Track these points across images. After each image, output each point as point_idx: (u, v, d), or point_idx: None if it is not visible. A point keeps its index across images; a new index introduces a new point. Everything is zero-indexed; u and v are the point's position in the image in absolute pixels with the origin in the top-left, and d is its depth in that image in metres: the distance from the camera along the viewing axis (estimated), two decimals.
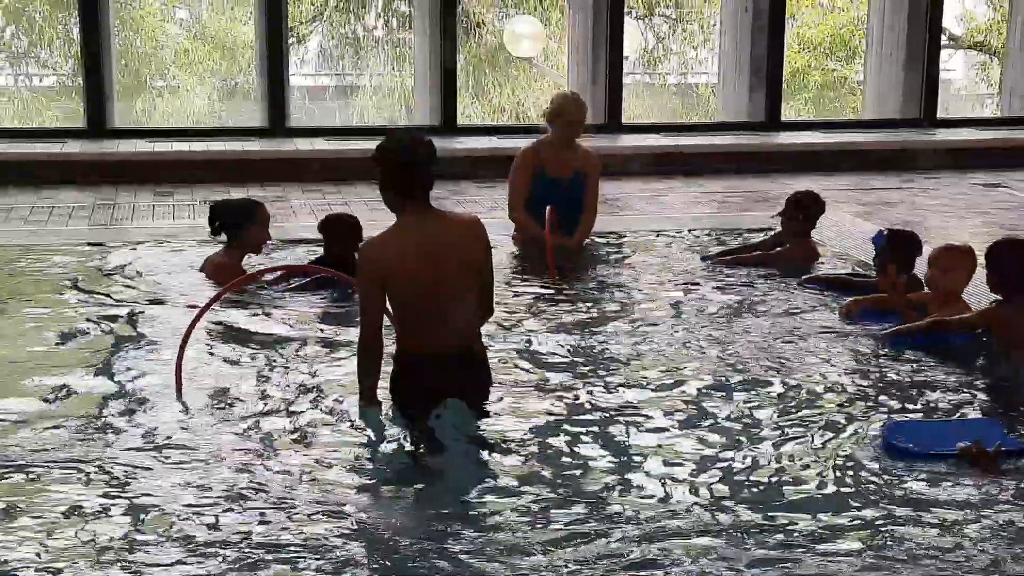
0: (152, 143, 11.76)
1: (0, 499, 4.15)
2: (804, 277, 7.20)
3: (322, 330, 6.17)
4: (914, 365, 5.65)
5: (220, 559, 3.78)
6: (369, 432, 4.85)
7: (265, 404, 5.13)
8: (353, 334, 5.58)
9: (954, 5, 18.33)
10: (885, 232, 6.82)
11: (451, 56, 12.55)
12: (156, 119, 16.56)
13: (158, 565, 3.75)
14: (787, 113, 14.07)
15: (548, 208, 7.47)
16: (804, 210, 7.63)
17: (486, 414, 4.99)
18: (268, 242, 7.00)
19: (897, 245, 6.68)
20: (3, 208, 9.74)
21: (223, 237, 6.92)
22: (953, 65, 19.80)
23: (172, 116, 17.00)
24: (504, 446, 4.73)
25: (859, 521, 4.07)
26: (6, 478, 4.33)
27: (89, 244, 8.23)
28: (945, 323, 5.86)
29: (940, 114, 13.75)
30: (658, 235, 8.69)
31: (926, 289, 6.32)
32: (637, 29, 19.01)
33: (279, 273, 6.85)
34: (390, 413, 4.93)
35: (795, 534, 3.97)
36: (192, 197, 10.25)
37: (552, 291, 7.04)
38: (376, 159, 4.92)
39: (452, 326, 4.89)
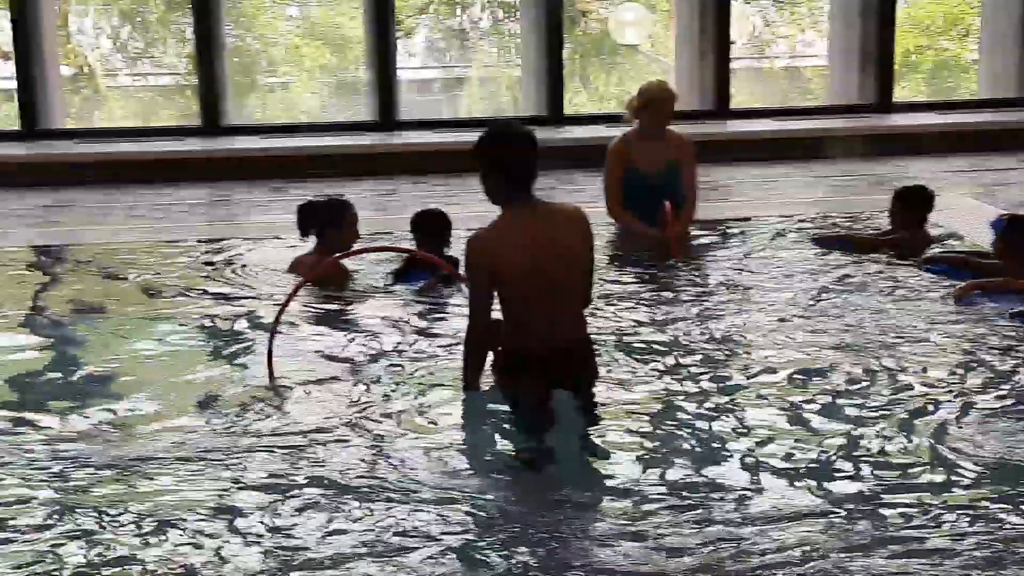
0: (265, 139, 11.97)
1: (122, 496, 4.29)
2: (925, 257, 7.12)
3: (420, 321, 6.25)
4: None
5: (332, 544, 3.90)
6: (473, 422, 4.92)
7: (365, 393, 5.23)
8: (449, 326, 5.67)
9: None
10: (1005, 218, 6.72)
11: (558, 46, 12.57)
12: (268, 115, 16.82)
13: (285, 549, 3.86)
14: (899, 94, 13.81)
15: (665, 204, 7.49)
16: (904, 201, 7.54)
17: (593, 404, 5.02)
18: (357, 241, 6.92)
19: (1017, 231, 6.58)
20: (125, 205, 9.99)
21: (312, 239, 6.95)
22: None
23: (284, 112, 17.25)
24: (610, 436, 4.76)
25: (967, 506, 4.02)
26: (123, 473, 4.46)
27: (202, 240, 8.41)
28: None
29: None
30: (770, 221, 8.63)
31: None
32: (744, 13, 18.83)
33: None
34: (495, 403, 4.99)
35: (903, 520, 3.94)
36: (305, 192, 10.39)
37: (657, 280, 7.04)
38: (477, 151, 4.95)
39: (558, 317, 4.94)
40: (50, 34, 12.56)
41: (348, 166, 11.26)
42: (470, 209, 9.47)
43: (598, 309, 6.08)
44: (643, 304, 6.57)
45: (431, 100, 18.78)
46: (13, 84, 12.16)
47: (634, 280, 7.07)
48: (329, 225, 6.81)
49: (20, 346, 6.05)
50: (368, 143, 11.84)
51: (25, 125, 11.98)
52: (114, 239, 8.54)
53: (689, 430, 4.80)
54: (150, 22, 16.89)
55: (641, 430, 4.80)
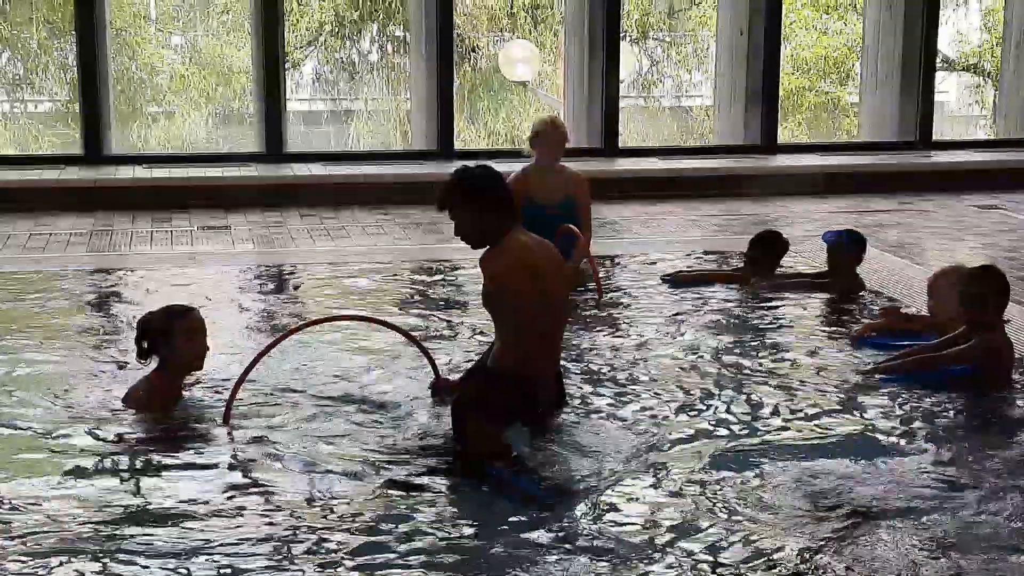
0: (149, 169, 11.76)
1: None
2: (758, 283, 7.46)
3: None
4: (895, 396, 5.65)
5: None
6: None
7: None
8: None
9: (948, 28, 18.41)
10: (843, 232, 7.45)
11: (448, 81, 12.58)
12: (152, 145, 16.56)
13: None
14: (782, 135, 14.10)
15: (574, 229, 7.63)
16: (759, 249, 7.76)
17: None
18: (204, 355, 5.37)
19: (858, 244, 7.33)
20: (0, 235, 9.72)
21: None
22: (946, 87, 19.87)
23: (168, 142, 17.01)
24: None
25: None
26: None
27: (94, 271, 8.20)
28: (933, 360, 5.81)
29: (934, 136, 13.79)
30: (651, 257, 8.73)
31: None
32: (632, 52, 19.08)
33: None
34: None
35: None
36: (189, 223, 10.25)
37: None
38: (465, 197, 5.03)
39: (560, 340, 5.19)
40: None
41: (234, 198, 11.10)
42: (358, 241, 9.44)
43: None
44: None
45: (318, 132, 18.68)
46: None
47: None
48: (159, 342, 5.30)
49: None
50: (255, 174, 11.69)
51: None
52: None
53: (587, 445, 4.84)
54: (31, 48, 16.54)
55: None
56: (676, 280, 7.74)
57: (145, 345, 5.29)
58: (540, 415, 5.05)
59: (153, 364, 5.33)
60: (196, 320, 5.34)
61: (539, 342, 4.99)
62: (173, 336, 5.26)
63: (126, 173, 11.61)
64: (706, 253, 8.88)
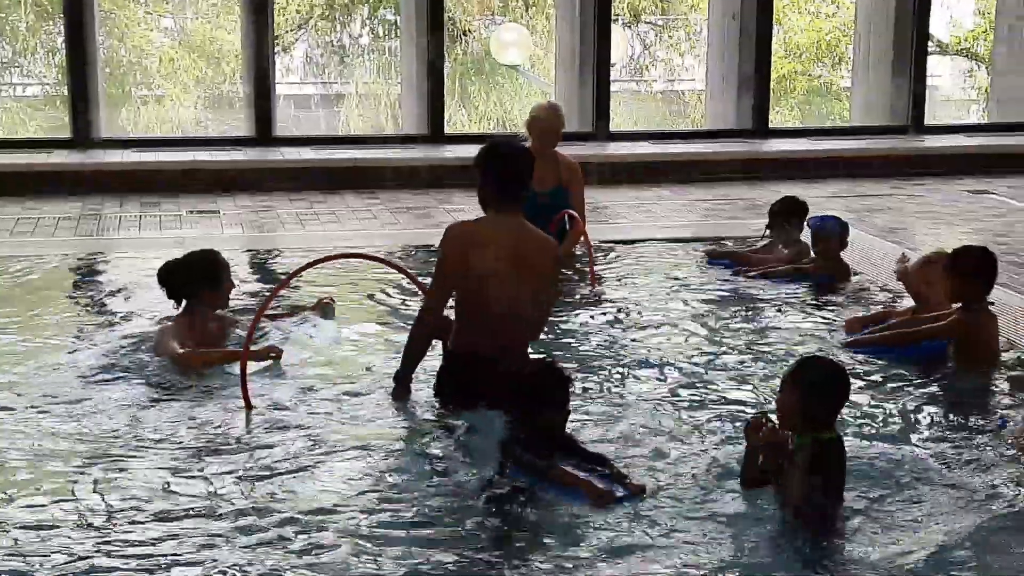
0: (138, 153, 11.69)
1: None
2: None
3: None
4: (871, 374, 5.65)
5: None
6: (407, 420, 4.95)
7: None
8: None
9: (941, 12, 18.38)
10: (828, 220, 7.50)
11: (438, 65, 12.51)
12: (141, 128, 16.50)
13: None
14: (774, 119, 14.04)
15: (577, 218, 7.74)
16: (775, 217, 7.88)
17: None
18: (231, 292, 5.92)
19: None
20: None
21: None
22: (939, 71, 19.85)
23: (157, 125, 16.94)
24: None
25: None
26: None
27: (80, 256, 8.16)
28: (910, 334, 5.88)
29: (927, 120, 13.75)
30: (640, 243, 8.70)
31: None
32: (623, 36, 19.03)
33: None
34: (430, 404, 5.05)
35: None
36: (178, 207, 10.20)
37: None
38: (476, 162, 5.16)
39: (513, 334, 5.02)
40: None
41: (223, 182, 11.03)
42: (349, 227, 9.40)
43: None
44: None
45: (308, 115, 18.63)
46: None
47: None
48: (205, 286, 5.76)
49: None
50: (244, 158, 11.62)
51: None
52: None
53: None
54: (19, 31, 16.46)
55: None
56: (715, 256, 7.96)
57: (186, 290, 5.69)
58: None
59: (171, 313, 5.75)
60: (225, 260, 5.87)
61: (482, 321, 4.95)
62: (220, 277, 5.76)
63: (115, 157, 11.53)
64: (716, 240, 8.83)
